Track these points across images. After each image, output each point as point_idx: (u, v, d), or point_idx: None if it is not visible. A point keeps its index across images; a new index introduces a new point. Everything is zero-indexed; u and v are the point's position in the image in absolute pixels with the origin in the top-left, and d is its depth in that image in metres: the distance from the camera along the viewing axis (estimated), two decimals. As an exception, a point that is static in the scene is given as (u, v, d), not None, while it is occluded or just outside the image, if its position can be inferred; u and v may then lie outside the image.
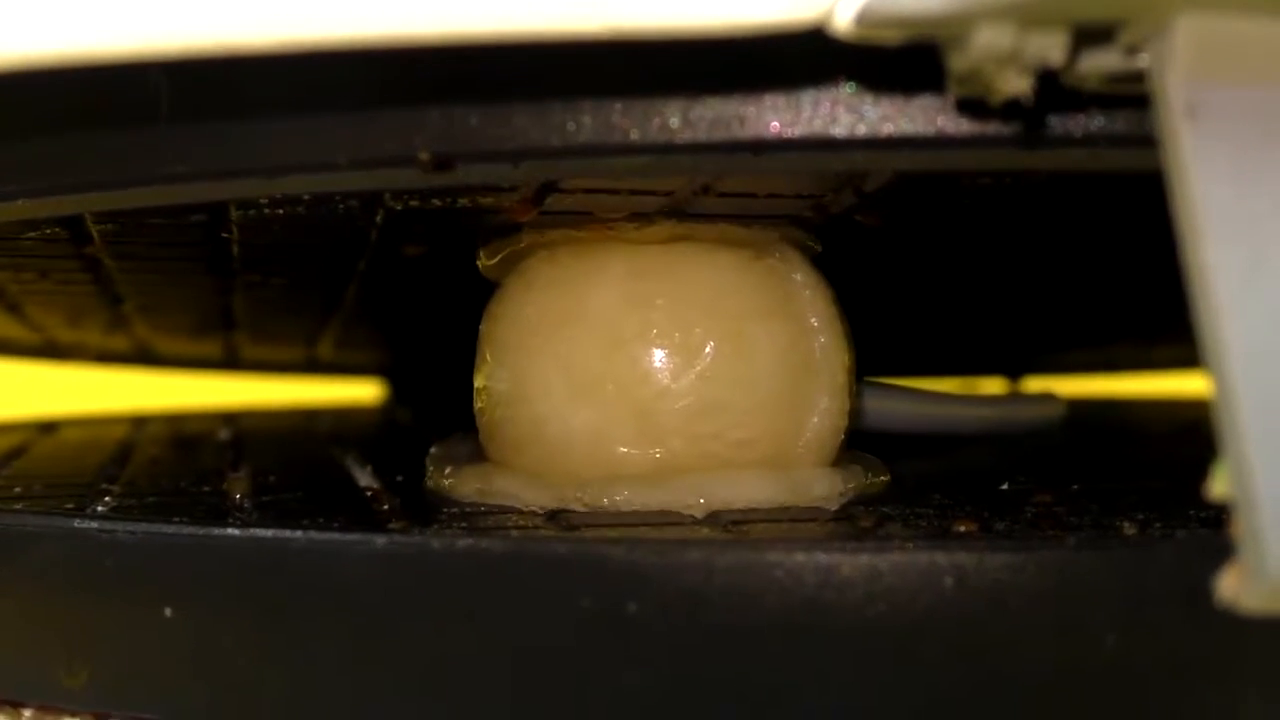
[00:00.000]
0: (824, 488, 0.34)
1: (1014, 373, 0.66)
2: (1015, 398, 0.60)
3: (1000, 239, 0.41)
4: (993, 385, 0.66)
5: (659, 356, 0.33)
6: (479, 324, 0.35)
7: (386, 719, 0.28)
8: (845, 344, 0.34)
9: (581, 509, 0.32)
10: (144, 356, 0.64)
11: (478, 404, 0.35)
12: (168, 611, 0.29)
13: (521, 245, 0.34)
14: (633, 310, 0.33)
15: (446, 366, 0.42)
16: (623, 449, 0.33)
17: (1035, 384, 0.65)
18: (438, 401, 0.47)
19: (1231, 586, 0.23)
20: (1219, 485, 0.23)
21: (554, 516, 0.32)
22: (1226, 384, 0.23)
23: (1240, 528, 0.23)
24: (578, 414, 0.33)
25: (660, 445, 0.33)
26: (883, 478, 0.36)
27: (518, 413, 0.34)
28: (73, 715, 0.30)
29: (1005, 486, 0.36)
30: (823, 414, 0.34)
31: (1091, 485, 0.36)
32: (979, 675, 0.27)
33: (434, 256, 0.40)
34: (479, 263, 0.36)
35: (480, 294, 0.35)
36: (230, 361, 0.66)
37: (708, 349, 0.33)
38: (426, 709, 0.28)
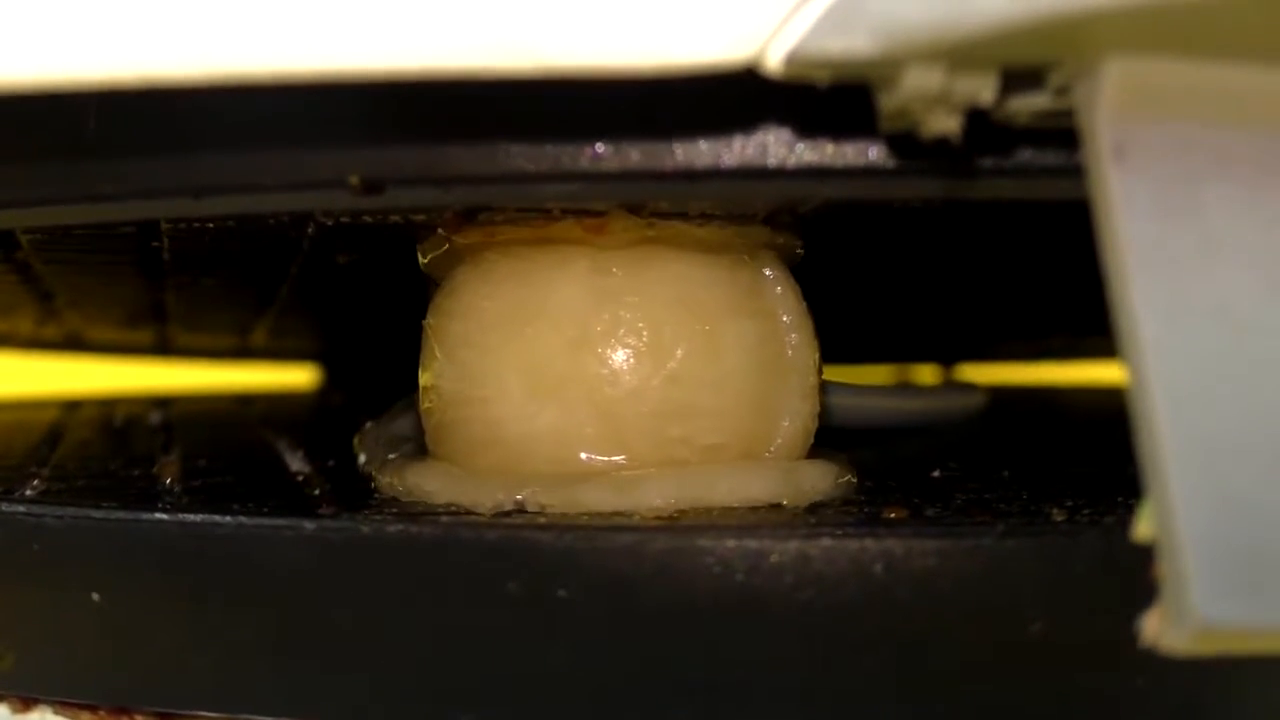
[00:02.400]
0: (811, 484, 0.32)
1: (947, 360, 0.66)
2: (935, 389, 0.60)
3: (933, 242, 0.41)
4: (925, 373, 0.66)
5: (627, 355, 0.31)
6: (417, 308, 0.34)
7: (316, 705, 0.28)
8: (815, 342, 0.33)
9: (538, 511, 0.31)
10: (75, 344, 0.64)
11: (425, 403, 0.33)
12: (95, 596, 0.29)
13: (469, 244, 0.33)
14: (598, 306, 0.31)
15: (383, 351, 0.42)
16: (584, 454, 0.31)
17: (969, 372, 0.65)
18: (373, 386, 0.47)
19: (1154, 628, 0.23)
20: (1143, 526, 0.23)
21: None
22: (1150, 424, 0.23)
23: (1163, 570, 0.23)
24: (538, 416, 0.31)
25: (625, 450, 0.31)
26: (849, 478, 0.34)
27: (472, 414, 0.32)
28: (-1, 700, 0.30)
29: (936, 474, 0.36)
30: (794, 416, 0.32)
31: (1021, 472, 0.36)
32: (908, 660, 0.27)
33: (369, 256, 0.40)
34: (420, 262, 0.34)
35: (421, 280, 0.35)
36: (162, 348, 0.66)
37: (678, 347, 0.31)
38: (355, 694, 0.28)
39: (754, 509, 0.31)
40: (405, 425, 0.37)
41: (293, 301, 0.50)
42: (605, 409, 0.31)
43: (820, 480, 0.32)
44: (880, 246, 0.43)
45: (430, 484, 0.32)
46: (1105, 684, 0.27)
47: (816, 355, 0.33)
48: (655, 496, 0.30)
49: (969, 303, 0.55)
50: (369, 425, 0.39)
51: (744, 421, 0.32)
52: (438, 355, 0.33)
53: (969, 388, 0.51)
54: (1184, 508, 0.22)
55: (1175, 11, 0.22)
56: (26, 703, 0.30)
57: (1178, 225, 0.23)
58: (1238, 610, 0.22)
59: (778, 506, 0.32)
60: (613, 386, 0.31)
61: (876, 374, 0.66)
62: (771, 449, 0.32)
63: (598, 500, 0.30)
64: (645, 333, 0.31)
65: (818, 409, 0.33)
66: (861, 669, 0.27)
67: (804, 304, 0.33)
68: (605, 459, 0.31)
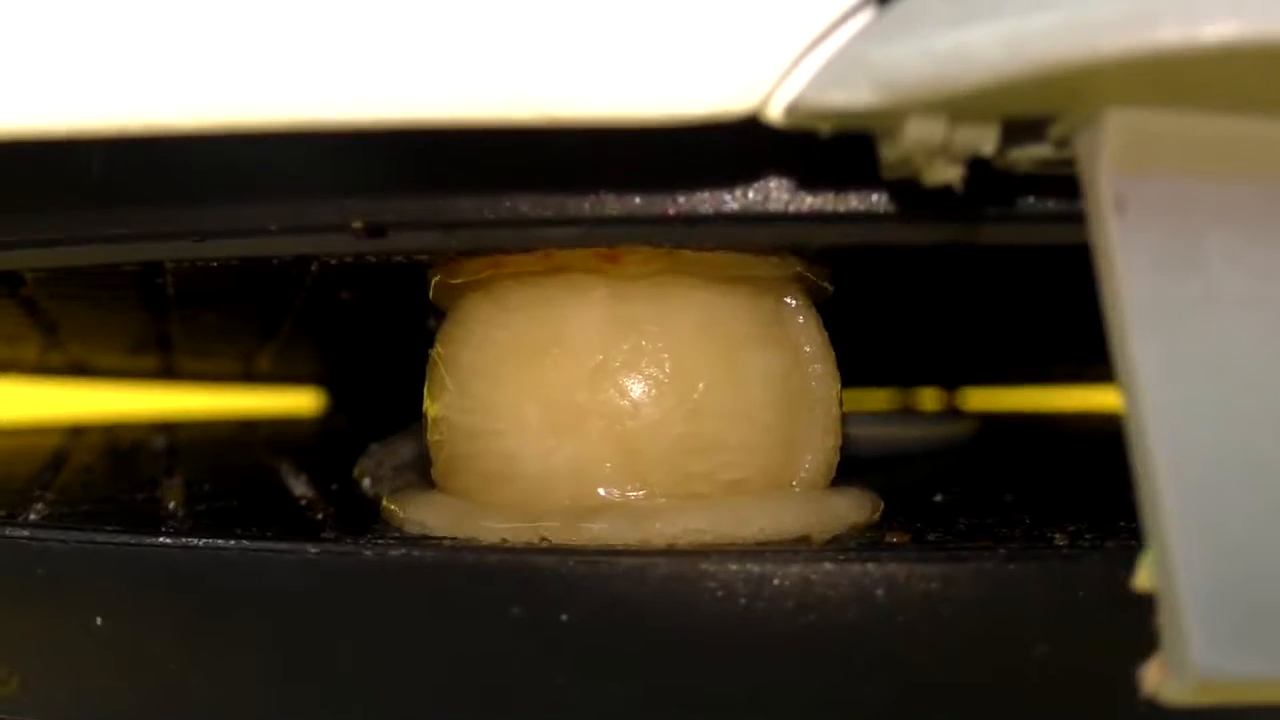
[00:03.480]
0: (847, 516, 0.31)
1: (950, 385, 0.66)
2: (926, 416, 0.60)
3: (938, 269, 0.41)
4: (929, 397, 0.66)
5: (648, 387, 0.30)
6: (422, 331, 0.34)
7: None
8: (837, 373, 0.32)
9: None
10: (80, 370, 0.64)
11: (434, 435, 0.32)
12: (99, 620, 0.29)
13: (480, 276, 0.31)
14: (618, 335, 0.30)
15: (388, 375, 0.42)
16: (603, 490, 0.30)
17: (973, 396, 0.65)
18: (378, 410, 0.47)
19: (1154, 678, 0.23)
20: (1143, 577, 0.23)
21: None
22: (1152, 477, 0.23)
23: (1163, 621, 0.23)
24: (556, 450, 0.30)
25: (645, 486, 0.30)
26: (879, 508, 0.33)
27: (485, 447, 0.31)
28: (2, 724, 0.30)
29: (938, 498, 0.36)
30: (816, 451, 0.32)
31: (1024, 497, 0.36)
32: (911, 685, 0.27)
33: (374, 285, 0.40)
34: (430, 294, 0.33)
35: (426, 304, 0.35)
36: (167, 374, 0.66)
37: (701, 378, 0.30)
38: (357, 717, 0.28)
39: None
40: (408, 450, 0.37)
41: (296, 330, 0.50)
42: (626, 443, 0.30)
43: (855, 512, 0.32)
44: (884, 274, 0.43)
45: (434, 519, 0.31)
46: (1108, 708, 0.27)
47: (838, 387, 0.32)
48: (682, 532, 0.29)
49: (973, 328, 0.55)
50: (372, 449, 0.38)
51: (768, 456, 0.31)
52: (448, 386, 0.32)
53: (959, 415, 0.51)
54: (1184, 560, 0.22)
55: (1175, 65, 0.22)
56: (29, 727, 0.30)
57: (1179, 277, 0.23)
58: (1239, 663, 0.22)
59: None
60: (634, 419, 0.30)
61: (876, 398, 0.66)
62: (794, 485, 0.31)
63: (615, 536, 0.29)
64: (667, 363, 0.30)
65: (840, 442, 0.32)
66: (864, 693, 0.27)
67: (825, 334, 0.32)
68: (621, 495, 0.30)
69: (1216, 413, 0.23)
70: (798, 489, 0.31)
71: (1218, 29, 0.22)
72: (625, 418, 0.30)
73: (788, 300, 0.32)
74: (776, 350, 0.31)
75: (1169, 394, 0.23)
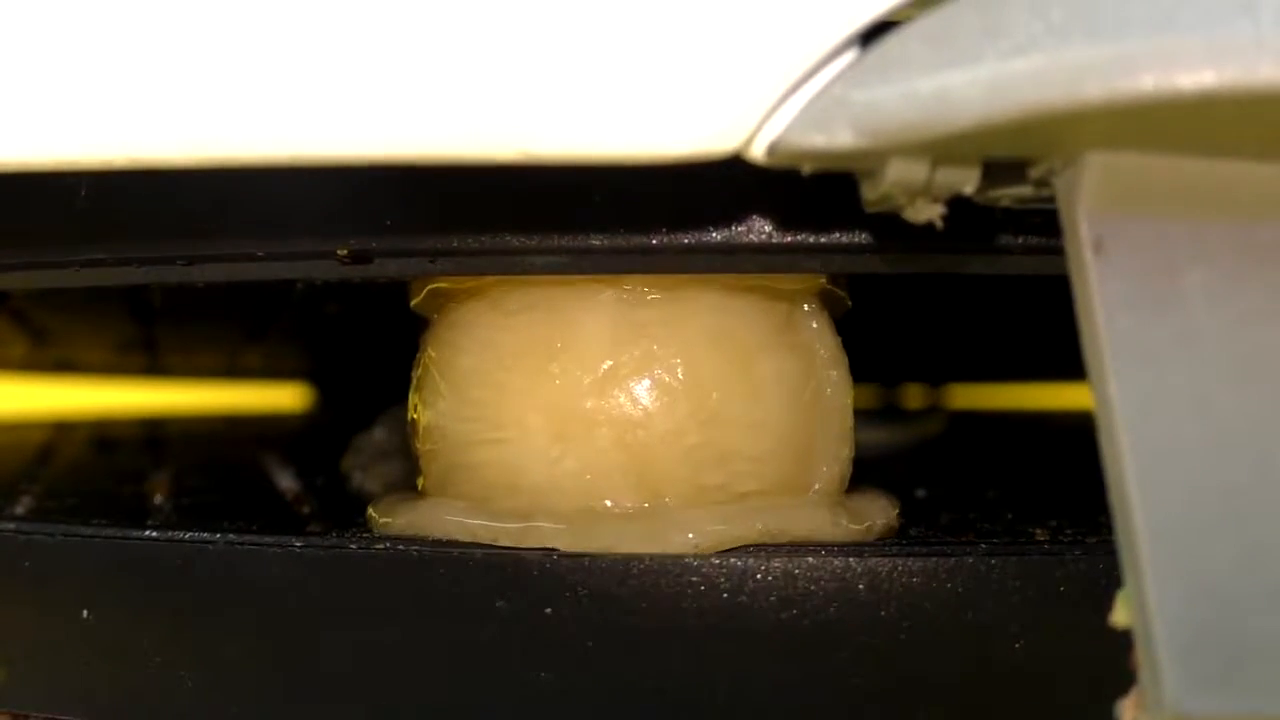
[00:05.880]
0: (873, 518, 0.30)
1: (936, 381, 0.66)
2: (901, 414, 0.60)
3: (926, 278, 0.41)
4: (915, 392, 0.67)
5: (659, 393, 0.29)
6: (408, 327, 0.33)
7: (302, 719, 0.28)
8: (850, 380, 0.31)
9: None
10: (67, 367, 0.64)
11: (426, 444, 0.31)
12: (86, 613, 0.29)
13: (465, 285, 0.30)
14: (628, 340, 0.29)
15: (373, 369, 0.42)
16: (609, 501, 0.29)
17: (959, 392, 0.65)
18: (363, 404, 0.47)
19: (1131, 713, 0.23)
20: (1120, 614, 0.24)
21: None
22: (1128, 516, 0.23)
23: (1140, 657, 0.23)
24: (562, 460, 0.29)
25: (657, 498, 0.29)
26: (897, 508, 0.32)
27: (485, 457, 0.30)
28: (-9, 715, 0.30)
29: (921, 494, 0.36)
30: (832, 460, 0.30)
31: (1006, 493, 0.36)
32: (892, 678, 0.28)
33: (361, 290, 0.39)
34: (411, 303, 0.32)
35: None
36: (153, 370, 0.66)
37: (715, 384, 0.29)
38: (343, 710, 0.28)
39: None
40: (392, 439, 0.37)
41: (282, 332, 0.50)
42: (636, 452, 0.29)
43: (881, 513, 0.31)
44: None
45: (426, 526, 0.30)
46: (1086, 702, 0.27)
47: (852, 394, 0.31)
48: (702, 536, 0.28)
49: (959, 325, 0.55)
50: (355, 442, 0.38)
51: (784, 466, 0.30)
52: (444, 393, 0.30)
53: (928, 413, 0.51)
54: (1159, 600, 0.22)
55: (1154, 112, 0.22)
56: (18, 718, 0.30)
57: (1157, 316, 0.23)
58: (1211, 701, 0.22)
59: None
60: (644, 428, 0.29)
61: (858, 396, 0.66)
62: (811, 494, 0.30)
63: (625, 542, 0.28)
64: (680, 369, 0.29)
65: (853, 451, 0.31)
66: (846, 687, 0.28)
67: (839, 339, 0.31)
68: (633, 507, 0.29)
69: (1194, 452, 0.23)
70: (814, 500, 0.30)
71: (1196, 78, 0.22)
72: (635, 426, 0.29)
73: (803, 305, 0.31)
74: (792, 356, 0.30)
75: (1147, 432, 0.23)
